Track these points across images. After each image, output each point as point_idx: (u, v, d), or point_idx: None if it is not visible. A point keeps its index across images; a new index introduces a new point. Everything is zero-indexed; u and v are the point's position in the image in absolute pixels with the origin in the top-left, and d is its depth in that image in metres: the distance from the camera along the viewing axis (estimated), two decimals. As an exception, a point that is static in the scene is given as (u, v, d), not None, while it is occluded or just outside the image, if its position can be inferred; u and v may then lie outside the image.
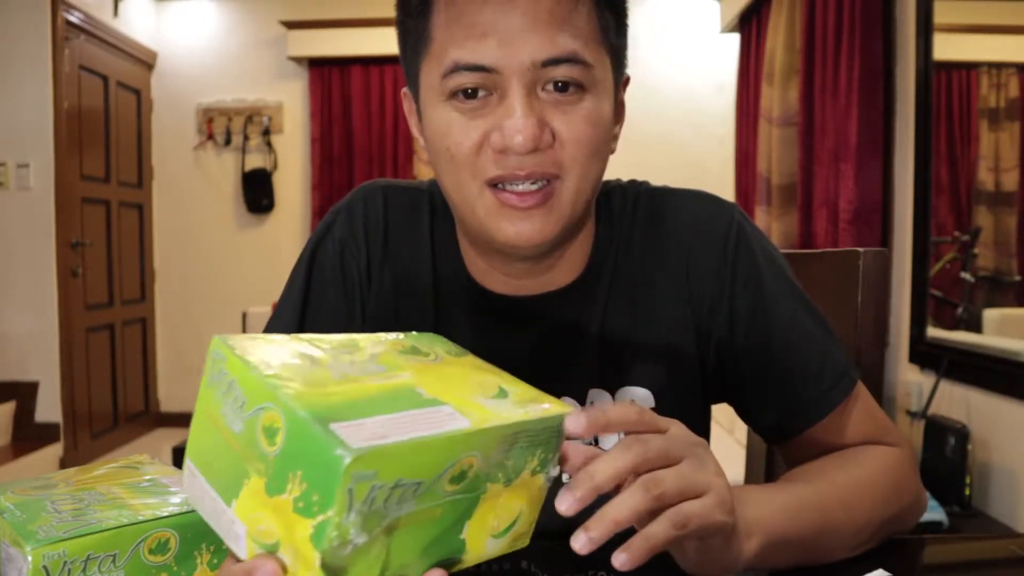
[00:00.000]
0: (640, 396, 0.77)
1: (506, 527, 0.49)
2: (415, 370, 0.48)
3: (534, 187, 0.67)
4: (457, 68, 0.65)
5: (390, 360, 0.49)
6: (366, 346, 0.51)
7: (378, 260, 0.81)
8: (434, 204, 0.82)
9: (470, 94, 0.66)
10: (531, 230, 0.68)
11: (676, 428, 0.53)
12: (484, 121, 0.66)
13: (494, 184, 0.68)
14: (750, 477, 1.14)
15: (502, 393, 0.48)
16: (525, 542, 0.51)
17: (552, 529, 0.76)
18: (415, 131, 0.76)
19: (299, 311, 0.81)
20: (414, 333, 0.56)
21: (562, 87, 0.66)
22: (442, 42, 0.67)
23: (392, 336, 0.54)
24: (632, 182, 0.83)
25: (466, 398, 0.46)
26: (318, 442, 0.38)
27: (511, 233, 0.68)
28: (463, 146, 0.67)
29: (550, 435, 0.47)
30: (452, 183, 0.70)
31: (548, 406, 0.48)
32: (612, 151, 0.74)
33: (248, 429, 0.42)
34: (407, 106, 0.77)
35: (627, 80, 0.76)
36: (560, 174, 0.68)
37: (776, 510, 0.61)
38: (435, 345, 0.55)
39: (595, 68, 0.67)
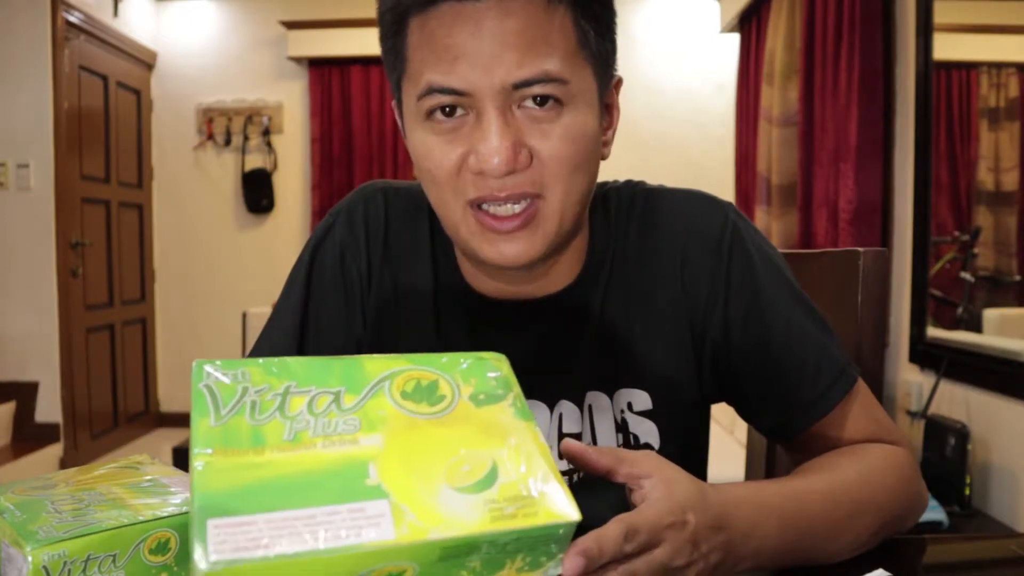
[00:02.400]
0: (638, 398, 0.77)
1: None
2: (392, 432, 0.43)
3: (516, 208, 0.67)
4: (431, 91, 0.65)
5: (373, 412, 0.44)
6: (373, 374, 0.46)
7: (379, 262, 0.81)
8: None
9: (447, 112, 0.66)
10: (515, 251, 0.68)
11: (661, 551, 0.51)
12: (461, 143, 0.66)
13: (477, 204, 0.68)
14: (750, 477, 1.15)
15: (486, 481, 0.41)
16: None
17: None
18: (407, 142, 0.76)
19: (300, 313, 0.80)
20: (474, 355, 0.50)
21: (540, 101, 0.65)
22: (417, 64, 0.67)
23: (412, 365, 0.47)
24: (628, 183, 0.82)
25: (424, 487, 0.40)
26: (193, 535, 0.37)
27: (494, 254, 0.69)
28: (443, 168, 0.67)
29: (538, 542, 0.41)
30: (437, 202, 0.71)
31: (543, 511, 0.41)
32: (604, 157, 0.73)
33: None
34: (397, 116, 0.76)
35: (619, 81, 0.75)
36: (542, 192, 0.67)
37: (773, 513, 0.61)
38: (471, 379, 0.48)
39: (572, 83, 0.66)
